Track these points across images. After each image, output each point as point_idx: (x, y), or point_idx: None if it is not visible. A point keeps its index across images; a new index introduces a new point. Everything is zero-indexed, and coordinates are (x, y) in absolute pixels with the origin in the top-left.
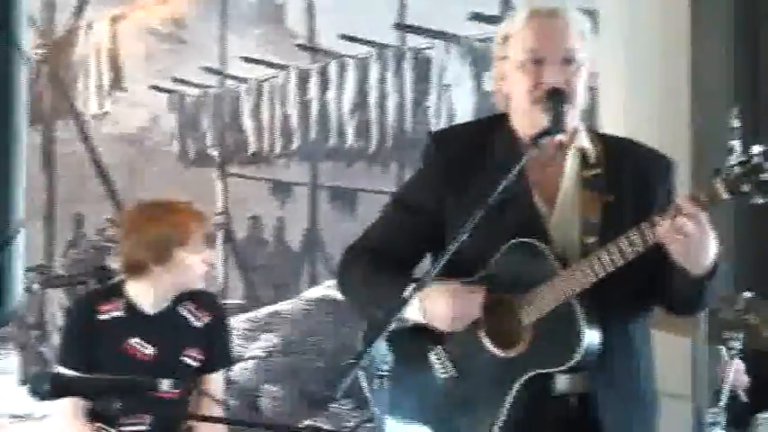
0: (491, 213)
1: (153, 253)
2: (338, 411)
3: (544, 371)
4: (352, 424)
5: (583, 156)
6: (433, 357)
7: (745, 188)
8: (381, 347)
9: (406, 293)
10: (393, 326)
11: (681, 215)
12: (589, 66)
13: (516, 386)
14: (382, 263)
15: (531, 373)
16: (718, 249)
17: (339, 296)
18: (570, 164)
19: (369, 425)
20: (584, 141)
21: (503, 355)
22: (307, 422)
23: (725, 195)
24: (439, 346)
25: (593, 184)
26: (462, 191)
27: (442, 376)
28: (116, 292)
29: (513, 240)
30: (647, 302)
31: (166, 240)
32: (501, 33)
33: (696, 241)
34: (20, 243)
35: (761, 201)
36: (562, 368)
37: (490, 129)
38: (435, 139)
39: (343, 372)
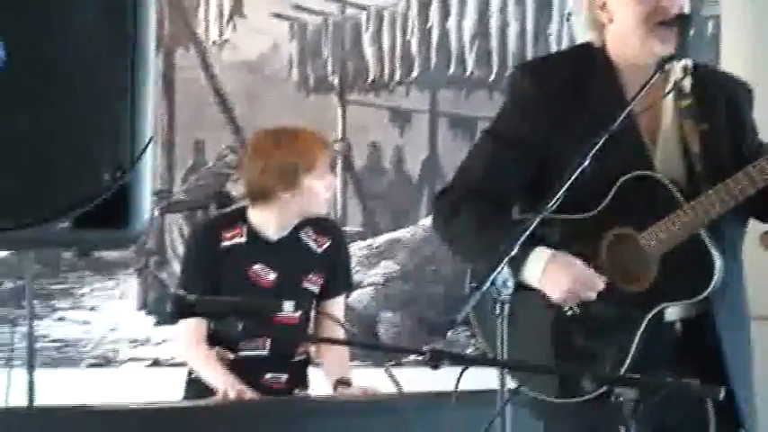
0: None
1: (280, 179)
2: (455, 338)
3: (677, 303)
4: (470, 351)
5: (677, 86)
6: None
7: None
8: (504, 272)
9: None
10: (513, 254)
11: None
12: None
13: (647, 319)
14: (491, 209)
15: (663, 306)
16: None
17: None
18: (670, 94)
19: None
20: (679, 71)
21: (630, 289)
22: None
23: None
24: None
25: (689, 114)
26: (565, 123)
27: (567, 313)
28: (238, 218)
29: (633, 173)
30: (748, 220)
31: (294, 167)
32: None
33: None
34: (148, 162)
35: None
36: (696, 299)
37: (582, 59)
38: (528, 71)
39: (464, 298)
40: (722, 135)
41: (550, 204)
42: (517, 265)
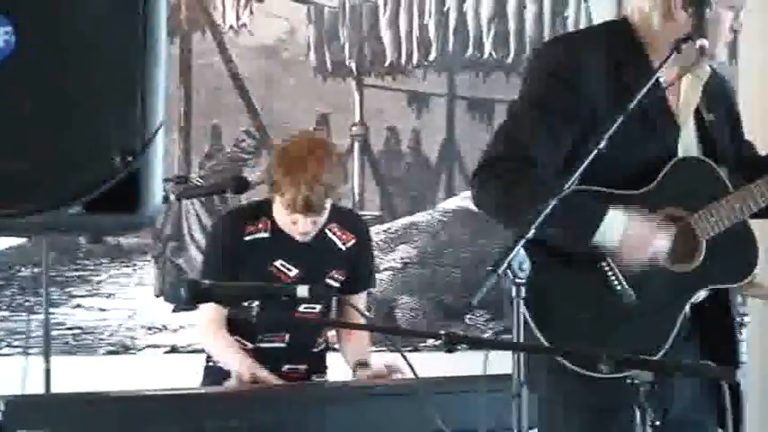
0: (633, 122)
1: (270, 183)
2: (473, 323)
3: (721, 286)
4: (488, 335)
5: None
6: (605, 269)
7: None
8: (520, 255)
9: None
10: (532, 234)
11: None
12: None
13: (691, 300)
14: (545, 178)
15: (706, 288)
16: None
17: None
18: (693, 83)
19: (505, 336)
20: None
21: (678, 269)
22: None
23: None
24: (609, 260)
25: (703, 102)
26: (600, 98)
27: (616, 289)
28: (263, 212)
29: (684, 156)
30: None
31: (270, 179)
32: None
33: None
34: (159, 146)
35: None
36: (740, 283)
37: (616, 35)
38: (564, 45)
39: (481, 281)
40: (722, 127)
41: (567, 185)
42: (582, 228)
